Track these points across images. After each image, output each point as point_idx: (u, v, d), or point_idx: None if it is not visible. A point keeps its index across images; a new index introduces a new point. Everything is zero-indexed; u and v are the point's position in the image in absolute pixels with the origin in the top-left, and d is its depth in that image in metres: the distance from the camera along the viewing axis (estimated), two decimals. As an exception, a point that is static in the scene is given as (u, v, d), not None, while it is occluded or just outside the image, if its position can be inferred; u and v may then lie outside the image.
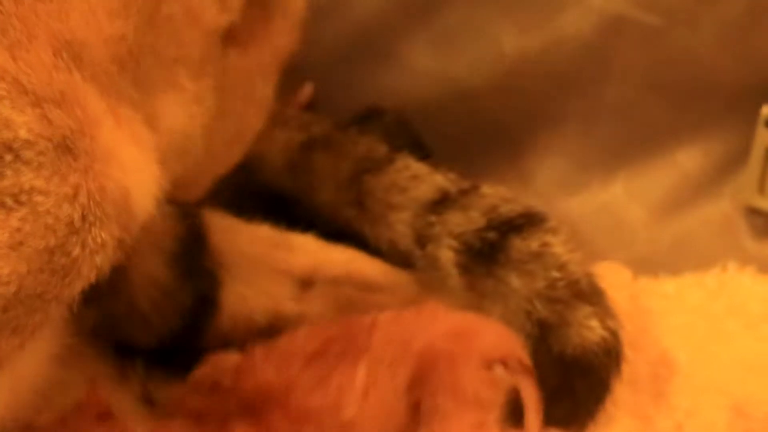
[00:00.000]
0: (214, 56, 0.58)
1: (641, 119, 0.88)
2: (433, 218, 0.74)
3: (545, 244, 0.71)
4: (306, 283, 0.76)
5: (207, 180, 0.61)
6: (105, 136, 0.48)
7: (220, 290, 0.73)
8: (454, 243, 0.73)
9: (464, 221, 0.73)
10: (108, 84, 0.50)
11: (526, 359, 0.66)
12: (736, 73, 0.85)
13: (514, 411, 0.65)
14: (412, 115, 0.90)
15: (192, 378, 0.69)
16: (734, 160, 0.87)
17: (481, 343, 0.65)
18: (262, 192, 0.80)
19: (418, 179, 0.76)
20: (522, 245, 0.71)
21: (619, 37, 0.86)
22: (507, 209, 0.73)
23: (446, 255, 0.73)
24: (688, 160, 0.88)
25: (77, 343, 0.59)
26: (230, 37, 0.59)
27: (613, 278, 0.79)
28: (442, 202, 0.75)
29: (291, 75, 0.72)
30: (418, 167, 0.77)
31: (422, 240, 0.74)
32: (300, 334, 0.69)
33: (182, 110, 0.56)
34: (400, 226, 0.76)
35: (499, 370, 0.65)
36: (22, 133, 0.45)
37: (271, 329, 0.74)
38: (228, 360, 0.69)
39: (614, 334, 0.69)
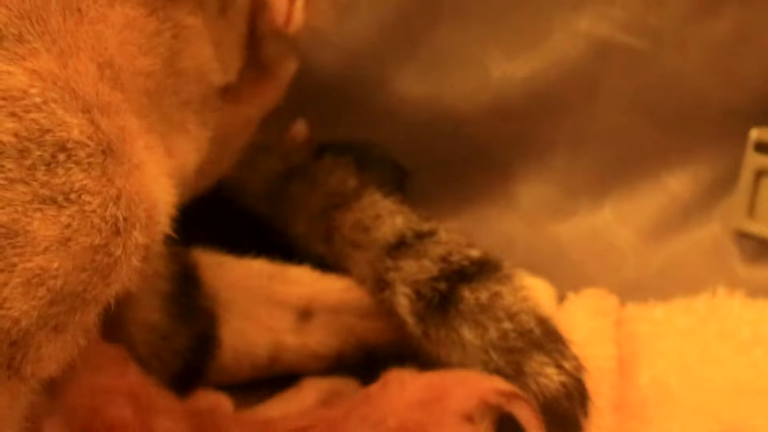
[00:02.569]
0: (214, 109, 0.62)
1: (629, 143, 0.89)
2: (389, 263, 0.75)
3: (495, 295, 0.72)
4: (305, 313, 0.77)
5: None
6: (140, 149, 0.52)
7: (219, 327, 0.74)
8: (408, 291, 0.73)
9: (417, 269, 0.74)
10: (140, 111, 0.53)
11: (507, 387, 0.67)
12: (724, 96, 0.86)
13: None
14: (401, 141, 0.91)
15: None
16: (723, 184, 0.88)
17: (452, 402, 0.66)
18: (243, 219, 0.82)
19: (380, 219, 0.77)
20: (471, 297, 0.72)
21: (606, 62, 0.87)
22: (460, 257, 0.74)
23: (401, 302, 0.74)
24: (676, 184, 0.89)
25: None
26: (226, 94, 0.63)
27: (599, 304, 0.80)
28: (397, 248, 0.75)
29: (283, 105, 0.74)
30: (383, 205, 0.78)
31: (381, 284, 0.75)
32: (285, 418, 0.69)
33: (188, 154, 0.60)
34: (363, 267, 0.76)
35: (480, 415, 0.66)
36: (75, 134, 0.48)
37: (273, 363, 0.76)
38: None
39: (574, 376, 0.70)
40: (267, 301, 0.76)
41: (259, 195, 0.82)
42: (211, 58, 0.59)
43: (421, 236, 0.76)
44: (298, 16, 0.63)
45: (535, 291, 0.80)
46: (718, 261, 0.88)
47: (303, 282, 0.78)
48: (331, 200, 0.79)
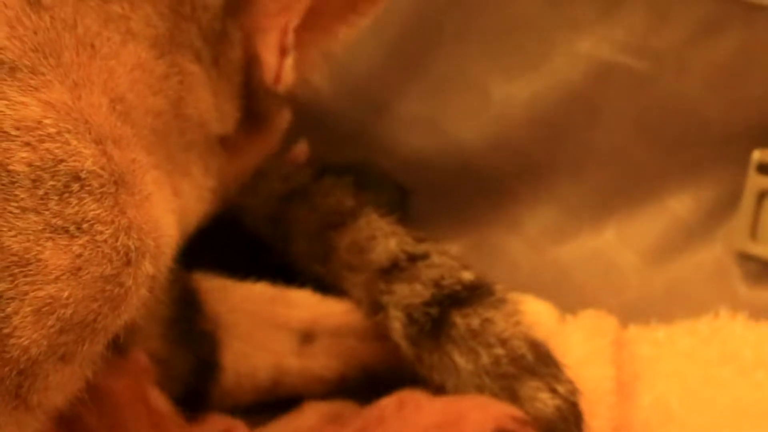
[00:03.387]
0: (216, 156, 0.63)
1: (631, 165, 0.90)
2: (383, 286, 0.75)
3: (487, 321, 0.72)
4: (307, 336, 0.78)
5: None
6: (149, 183, 0.53)
7: (221, 351, 0.75)
8: (400, 315, 0.74)
9: (409, 294, 0.74)
10: (148, 148, 0.55)
11: (519, 413, 0.68)
12: (726, 117, 0.87)
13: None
14: (403, 163, 0.92)
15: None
16: (726, 206, 0.88)
17: (468, 426, 0.67)
18: (245, 242, 0.82)
19: (375, 241, 0.77)
20: (462, 323, 0.72)
21: (607, 84, 0.88)
22: (452, 281, 0.74)
23: (394, 326, 0.74)
24: (679, 205, 0.90)
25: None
26: (223, 145, 0.64)
27: (597, 325, 0.81)
28: (390, 271, 0.76)
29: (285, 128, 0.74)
30: (378, 226, 0.78)
31: (375, 307, 0.76)
32: None
33: (190, 199, 0.61)
34: (358, 290, 0.77)
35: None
36: (89, 165, 0.49)
37: (276, 386, 0.77)
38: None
39: (568, 400, 0.71)
40: (268, 324, 0.77)
41: (260, 217, 0.82)
42: (211, 106, 0.61)
43: (414, 259, 0.76)
44: (288, 75, 0.64)
45: (539, 313, 0.82)
46: (721, 283, 0.88)
47: (304, 305, 0.78)
48: (328, 220, 0.79)
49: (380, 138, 0.93)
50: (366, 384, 0.78)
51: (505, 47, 0.89)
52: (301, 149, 0.90)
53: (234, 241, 0.81)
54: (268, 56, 0.63)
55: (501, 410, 0.68)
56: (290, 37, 0.63)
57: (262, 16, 0.63)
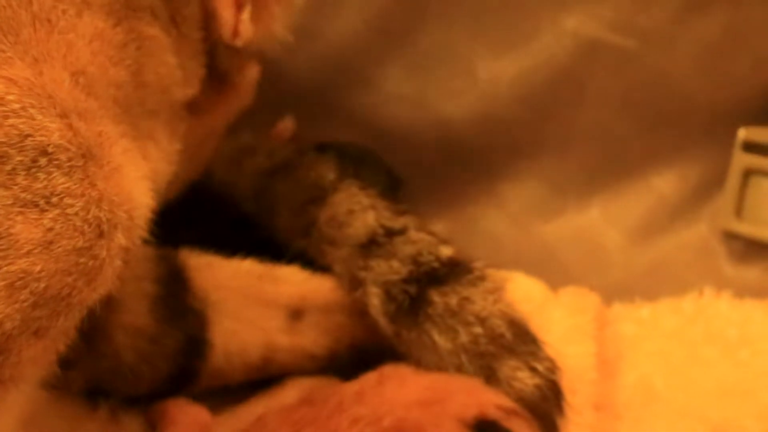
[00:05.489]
0: (182, 120, 0.62)
1: (617, 143, 0.90)
2: (361, 262, 0.75)
3: (465, 300, 0.72)
4: (296, 313, 0.77)
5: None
6: (118, 153, 0.53)
7: (210, 329, 0.74)
8: (378, 291, 0.73)
9: (387, 270, 0.74)
10: (113, 118, 0.54)
11: (507, 402, 0.67)
12: (712, 96, 0.87)
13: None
14: (388, 141, 0.92)
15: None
16: (711, 184, 0.89)
17: (452, 406, 0.65)
18: (232, 219, 0.82)
19: (353, 215, 0.77)
20: (440, 302, 0.72)
21: (593, 61, 0.88)
22: (430, 258, 0.74)
23: (373, 302, 0.73)
24: (664, 184, 0.90)
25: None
26: (189, 107, 0.63)
27: (578, 302, 0.81)
28: (368, 247, 0.75)
29: (269, 104, 0.74)
30: (357, 200, 0.78)
31: (354, 283, 0.75)
32: (268, 419, 0.69)
33: (160, 163, 0.60)
34: (338, 265, 0.76)
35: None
36: (56, 138, 0.49)
37: (266, 364, 0.76)
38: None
39: (547, 378, 0.70)
40: (257, 301, 0.76)
41: (246, 193, 0.82)
42: (173, 68, 0.60)
43: (391, 234, 0.75)
44: (246, 29, 0.63)
45: (529, 290, 0.81)
46: (706, 261, 0.89)
47: (293, 281, 0.78)
48: (309, 194, 0.79)
49: (364, 114, 0.92)
50: (356, 361, 0.77)
51: (491, 24, 0.89)
52: (287, 125, 0.90)
53: (220, 217, 0.81)
54: (224, 11, 0.62)
55: (488, 397, 0.67)
56: (245, -10, 0.63)
57: None
